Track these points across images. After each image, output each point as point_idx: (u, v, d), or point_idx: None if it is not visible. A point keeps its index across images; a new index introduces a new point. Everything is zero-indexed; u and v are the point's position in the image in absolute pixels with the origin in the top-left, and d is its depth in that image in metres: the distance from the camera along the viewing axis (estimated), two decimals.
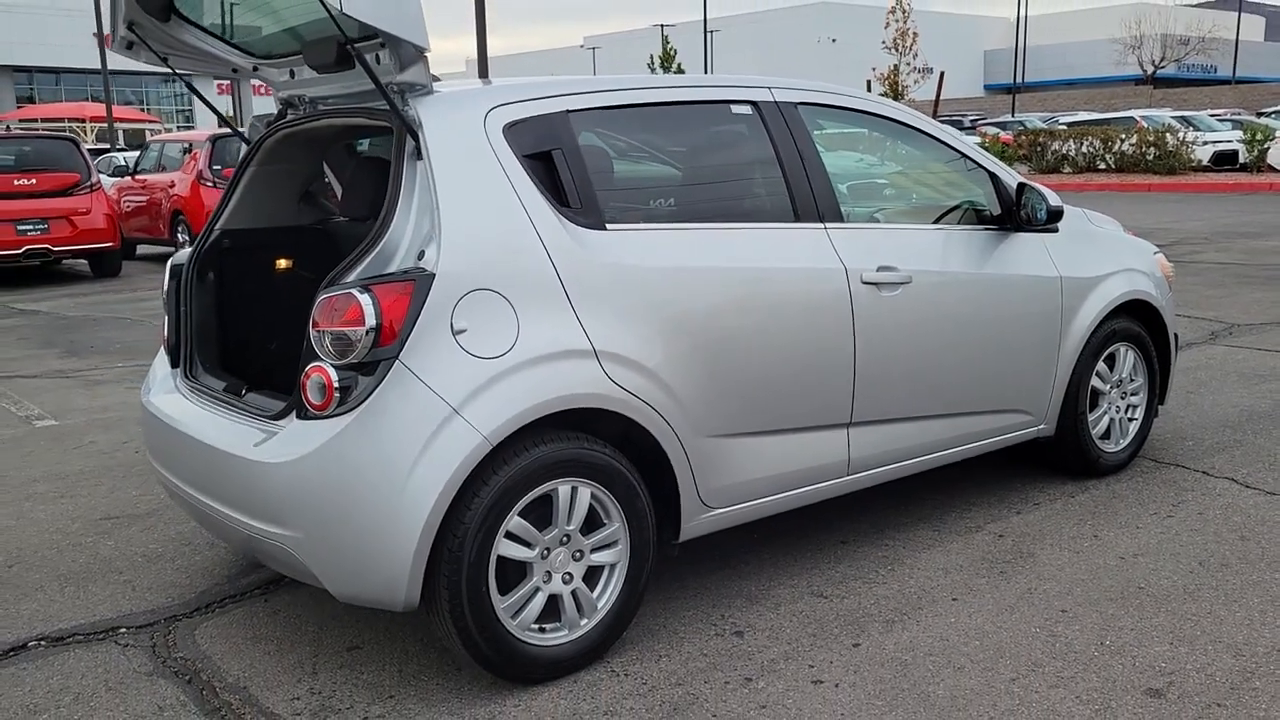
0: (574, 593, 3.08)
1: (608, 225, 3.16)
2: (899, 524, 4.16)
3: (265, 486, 2.90)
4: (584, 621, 3.11)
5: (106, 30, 3.67)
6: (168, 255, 15.33)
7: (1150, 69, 63.39)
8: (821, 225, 3.60)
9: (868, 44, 61.65)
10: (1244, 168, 25.70)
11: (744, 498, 3.44)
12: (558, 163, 3.13)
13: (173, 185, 14.41)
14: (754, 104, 3.62)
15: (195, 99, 4.15)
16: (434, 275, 2.84)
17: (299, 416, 2.93)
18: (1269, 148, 24.78)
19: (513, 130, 3.11)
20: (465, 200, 2.96)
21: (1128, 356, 4.63)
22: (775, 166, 3.58)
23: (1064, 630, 3.26)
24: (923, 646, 3.20)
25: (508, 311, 2.93)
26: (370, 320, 2.78)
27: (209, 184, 13.89)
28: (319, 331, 2.85)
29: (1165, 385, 4.88)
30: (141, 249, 16.32)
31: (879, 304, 3.67)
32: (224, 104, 61.20)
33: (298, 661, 3.26)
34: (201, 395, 3.47)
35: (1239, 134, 26.43)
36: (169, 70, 3.73)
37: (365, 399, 2.80)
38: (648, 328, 3.14)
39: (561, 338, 2.99)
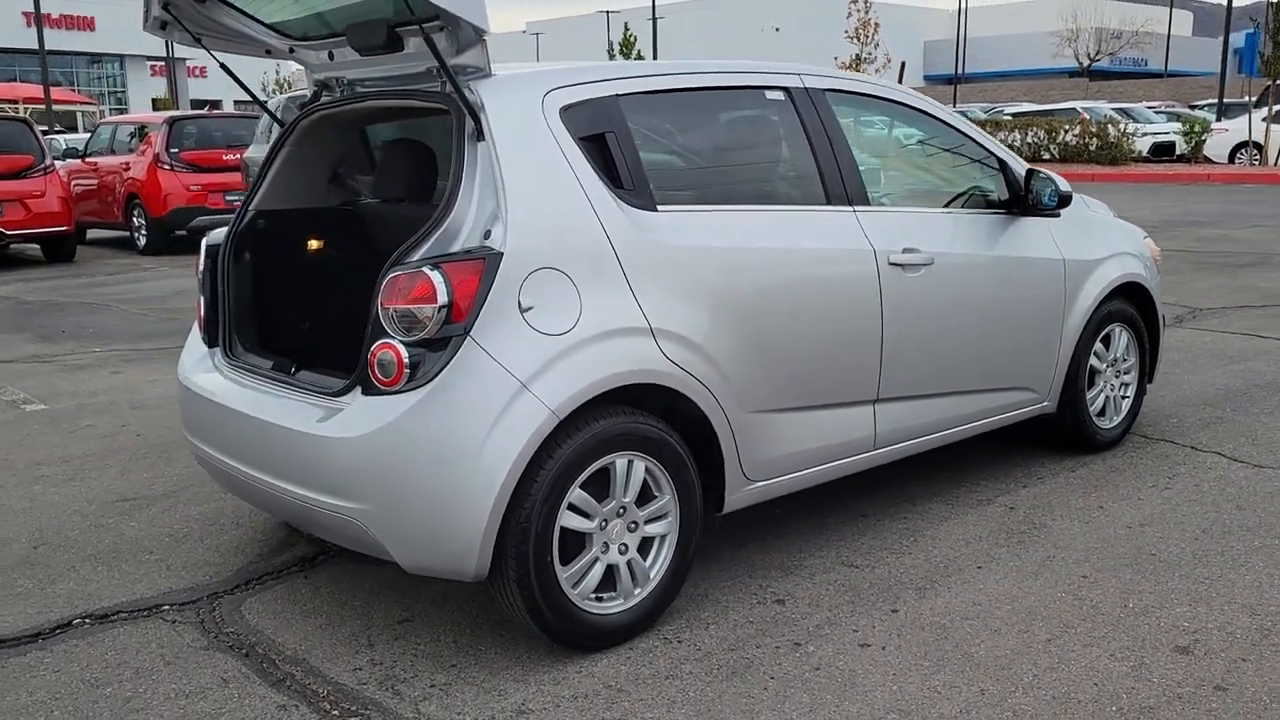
0: (629, 563, 3.18)
1: (659, 207, 3.26)
2: (914, 498, 4.31)
3: (333, 461, 2.96)
4: (638, 591, 3.20)
5: (141, 9, 3.63)
6: (122, 240, 15.14)
7: (1085, 62, 64.69)
8: (851, 208, 3.72)
9: (812, 32, 62.08)
10: (1181, 158, 26.42)
11: (782, 471, 3.56)
12: (611, 145, 3.21)
13: (127, 168, 14.18)
14: (786, 90, 3.73)
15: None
16: (502, 254, 2.91)
17: (365, 393, 2.98)
18: (1206, 139, 25.51)
19: (568, 113, 3.18)
20: (528, 181, 3.03)
21: (1122, 337, 4.83)
22: (808, 151, 3.70)
23: (1088, 594, 3.43)
24: (958, 611, 3.34)
25: (570, 290, 3.01)
26: (442, 297, 2.85)
27: (166, 167, 13.71)
28: (388, 309, 2.90)
29: (1155, 364, 5.09)
30: (93, 233, 16.01)
31: (904, 284, 3.80)
32: (159, 87, 60.00)
33: (351, 634, 3.31)
34: (248, 373, 3.50)
35: (1176, 125, 27.17)
36: (203, 49, 3.75)
37: (436, 375, 2.86)
38: (697, 306, 3.24)
39: (620, 315, 3.08)
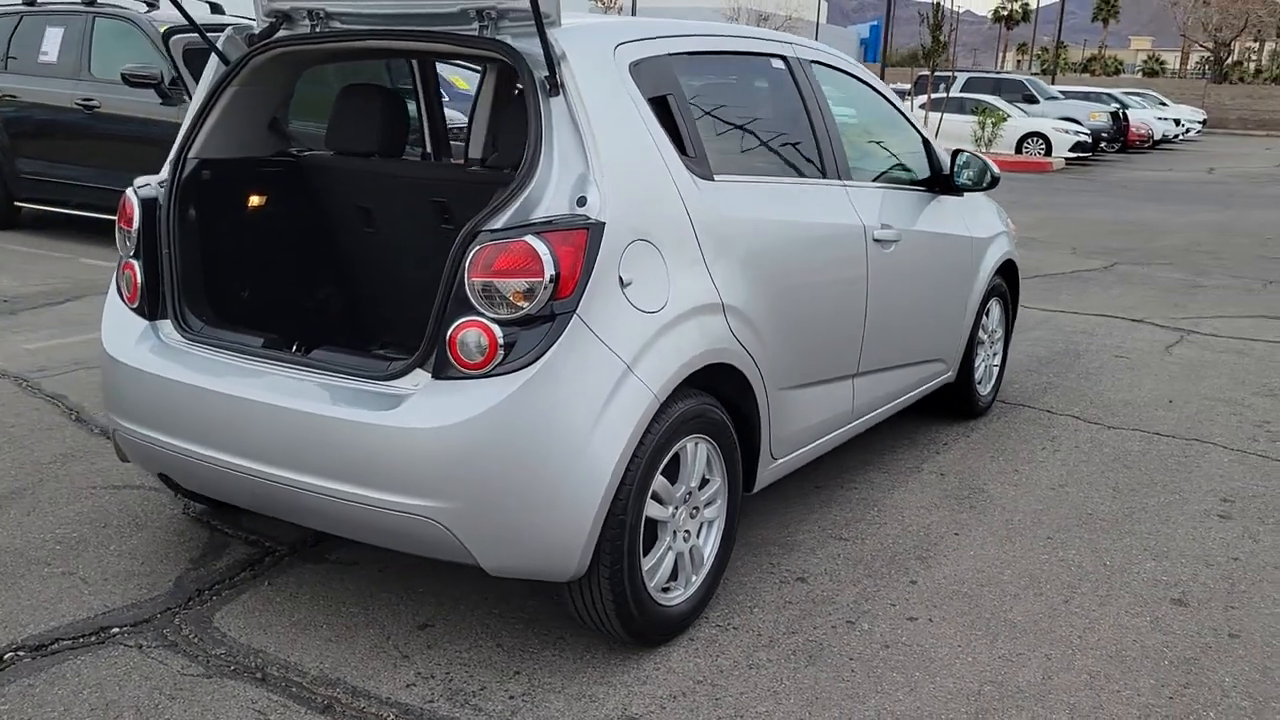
0: (690, 550, 3.03)
1: (715, 176, 3.10)
2: (850, 467, 4.41)
3: (410, 455, 2.59)
4: (694, 579, 3.07)
5: None
6: None
7: None
8: (841, 183, 3.72)
9: None
10: None
11: (794, 447, 3.52)
12: (673, 108, 3.01)
13: None
14: (785, 59, 3.66)
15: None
16: (604, 224, 2.65)
17: (438, 376, 2.63)
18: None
19: (637, 70, 2.95)
20: (618, 142, 2.78)
21: (995, 309, 5.18)
22: (808, 123, 3.65)
23: (1066, 555, 3.67)
24: (969, 578, 3.47)
25: (660, 264, 2.80)
26: (550, 270, 2.55)
27: None
28: (477, 283, 2.57)
29: (1010, 336, 5.51)
30: None
31: (882, 260, 3.86)
32: None
33: (373, 645, 2.94)
34: (228, 351, 2.98)
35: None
36: None
37: (540, 357, 2.56)
38: (749, 281, 3.12)
39: (701, 291, 2.91)
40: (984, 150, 23.84)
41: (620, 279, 2.68)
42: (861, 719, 2.69)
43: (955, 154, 4.50)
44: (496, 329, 2.57)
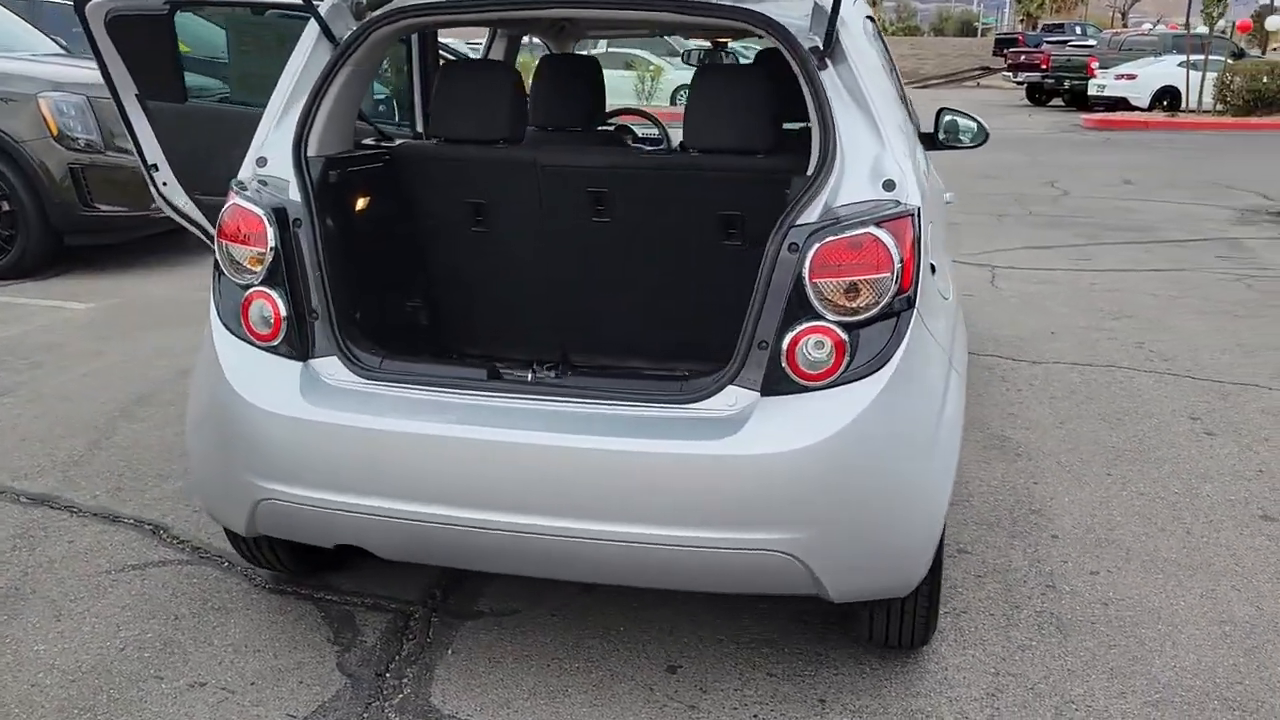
0: None
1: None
2: None
3: (759, 485, 2.28)
4: None
5: None
6: None
7: None
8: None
9: None
10: None
11: None
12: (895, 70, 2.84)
13: None
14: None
15: None
16: (918, 208, 2.45)
17: (770, 392, 2.33)
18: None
19: (869, 30, 2.74)
20: (892, 113, 2.57)
21: None
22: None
23: (1140, 489, 3.91)
24: (1093, 524, 3.61)
25: (940, 244, 2.66)
26: (897, 263, 2.33)
27: None
28: (828, 283, 2.29)
29: None
30: None
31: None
32: None
33: (634, 693, 2.60)
34: (436, 388, 2.48)
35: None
36: None
37: (887, 359, 2.33)
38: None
39: (946, 274, 2.78)
40: (646, 104, 24.60)
41: (932, 266, 2.51)
42: (1164, 681, 2.73)
43: (940, 112, 4.57)
44: (843, 333, 2.32)
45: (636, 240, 3.03)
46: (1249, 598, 3.14)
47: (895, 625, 2.63)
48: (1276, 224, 9.96)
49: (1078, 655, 2.83)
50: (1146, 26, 39.04)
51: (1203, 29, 24.25)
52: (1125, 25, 50.04)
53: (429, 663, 2.76)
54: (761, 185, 2.80)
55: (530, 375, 2.52)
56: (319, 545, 2.67)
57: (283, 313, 2.54)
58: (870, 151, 2.47)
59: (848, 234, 2.32)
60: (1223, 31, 26.35)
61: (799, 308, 2.32)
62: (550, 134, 3.40)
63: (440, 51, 4.34)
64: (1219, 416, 4.67)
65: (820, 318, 2.32)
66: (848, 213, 2.38)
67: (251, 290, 2.57)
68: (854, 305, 2.32)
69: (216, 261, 2.64)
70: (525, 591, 3.05)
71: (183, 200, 3.82)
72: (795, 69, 2.50)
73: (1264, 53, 30.96)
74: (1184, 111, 22.84)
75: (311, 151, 2.67)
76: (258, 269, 2.56)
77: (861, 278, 2.31)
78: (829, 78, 2.50)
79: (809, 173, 2.46)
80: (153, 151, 3.77)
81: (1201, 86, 22.70)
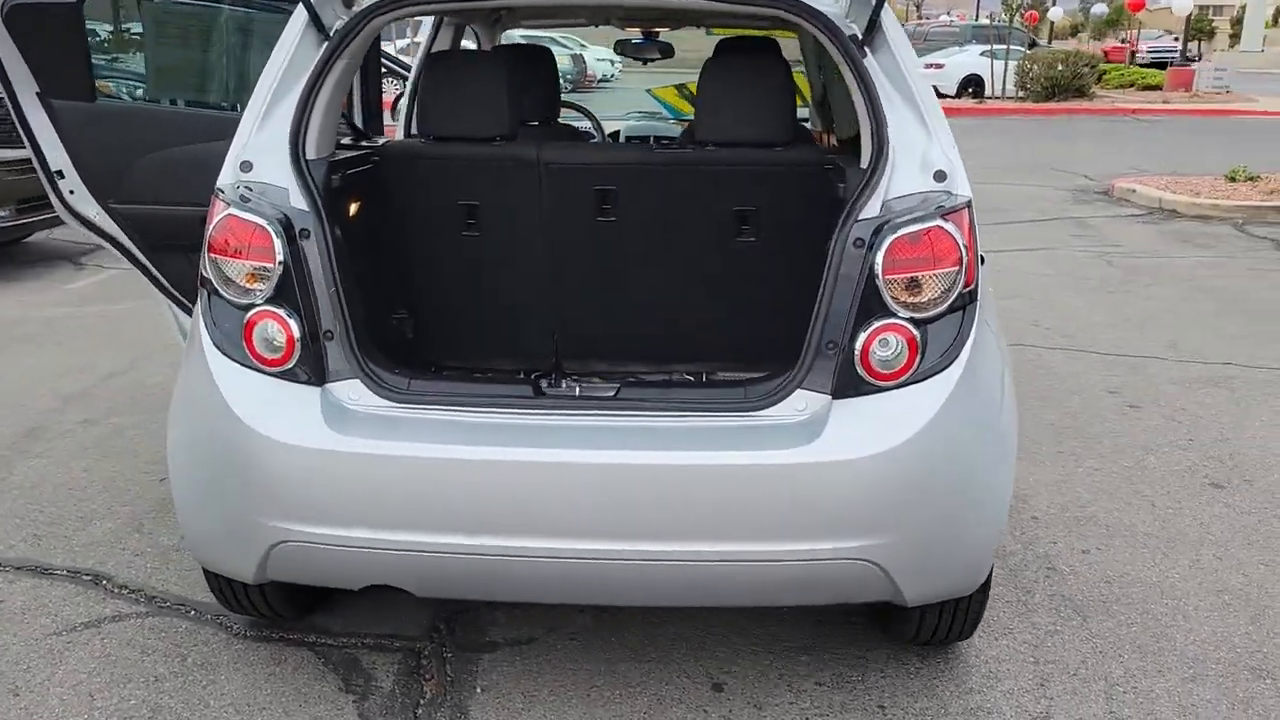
0: None
1: None
2: None
3: (843, 493, 2.18)
4: None
5: None
6: None
7: None
8: None
9: None
10: None
11: None
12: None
13: None
14: None
15: None
16: (970, 199, 2.40)
17: (842, 395, 2.23)
18: None
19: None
20: (932, 99, 2.49)
21: None
22: None
23: (1189, 436, 4.03)
24: (1078, 504, 3.69)
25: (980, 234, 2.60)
26: (964, 256, 2.27)
27: None
28: (902, 279, 2.21)
29: None
30: None
31: None
32: None
33: (694, 713, 2.48)
34: (469, 409, 2.27)
35: None
36: None
37: (957, 355, 2.27)
38: None
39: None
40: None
41: (981, 257, 2.46)
42: (1192, 655, 2.79)
43: None
44: (914, 330, 2.24)
45: (645, 239, 2.88)
46: (1232, 566, 3.25)
47: (948, 622, 2.58)
48: (1107, 202, 10.57)
49: (1103, 636, 2.86)
50: (945, 19, 41.07)
51: (986, 20, 25.71)
52: (920, 17, 52.45)
53: (460, 703, 2.54)
54: (780, 179, 2.69)
55: (578, 389, 2.35)
56: (343, 588, 2.42)
57: (295, 334, 2.28)
58: (919, 141, 2.40)
59: (916, 227, 2.24)
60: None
61: (872, 306, 2.23)
62: (528, 129, 3.20)
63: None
64: (1135, 389, 4.86)
65: (893, 315, 2.24)
66: (904, 205, 2.30)
67: (255, 310, 2.29)
68: (924, 300, 2.25)
69: (205, 279, 2.35)
70: (537, 618, 2.87)
71: (94, 211, 3.41)
72: (838, 57, 2.40)
73: (1049, 42, 33.15)
74: (990, 99, 24.09)
75: (310, 154, 2.40)
76: (259, 286, 2.29)
77: (932, 272, 2.24)
78: (871, 65, 2.42)
79: (862, 164, 2.37)
80: (56, 156, 3.35)
81: (1005, 74, 24.02)
